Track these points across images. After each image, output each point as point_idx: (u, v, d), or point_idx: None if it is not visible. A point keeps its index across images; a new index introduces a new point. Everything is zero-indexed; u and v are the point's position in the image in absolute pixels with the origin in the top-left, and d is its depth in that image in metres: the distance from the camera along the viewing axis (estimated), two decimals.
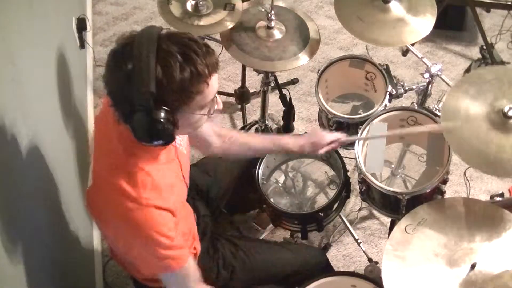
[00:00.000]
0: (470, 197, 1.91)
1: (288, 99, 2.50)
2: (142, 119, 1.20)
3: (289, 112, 2.48)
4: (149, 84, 1.17)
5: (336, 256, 2.44)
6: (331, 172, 2.26)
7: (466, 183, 2.03)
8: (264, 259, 1.77)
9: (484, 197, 2.56)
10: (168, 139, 1.25)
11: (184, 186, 1.53)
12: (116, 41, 1.25)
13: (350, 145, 2.11)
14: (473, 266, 1.50)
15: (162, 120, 1.20)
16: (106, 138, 1.39)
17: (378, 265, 2.14)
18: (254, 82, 3.00)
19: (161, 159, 1.38)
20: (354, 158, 1.89)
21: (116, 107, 1.27)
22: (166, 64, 1.18)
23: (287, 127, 2.53)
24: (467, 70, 3.00)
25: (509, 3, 3.06)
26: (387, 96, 2.03)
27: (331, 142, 1.79)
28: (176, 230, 1.38)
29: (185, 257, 1.42)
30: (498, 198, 1.91)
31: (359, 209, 2.51)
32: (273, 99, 2.75)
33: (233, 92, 2.88)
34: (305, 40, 2.10)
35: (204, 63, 1.21)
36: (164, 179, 1.36)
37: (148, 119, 1.19)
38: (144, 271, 1.57)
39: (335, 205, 2.00)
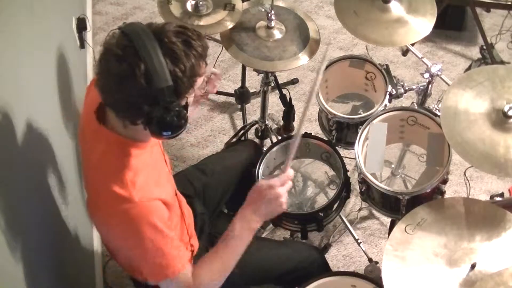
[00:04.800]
0: (470, 197, 1.90)
1: (288, 99, 2.50)
2: (164, 113, 1.22)
3: (289, 112, 2.48)
4: (166, 78, 1.20)
5: (336, 256, 2.44)
6: (331, 172, 2.26)
7: (466, 183, 2.03)
8: (262, 255, 1.77)
9: (484, 197, 2.57)
10: (186, 125, 1.28)
11: (168, 171, 1.56)
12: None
13: (350, 145, 2.12)
14: (473, 266, 1.50)
15: (182, 109, 1.24)
16: (93, 152, 1.40)
17: (378, 265, 2.14)
18: (254, 82, 3.00)
19: (147, 147, 1.40)
20: (354, 158, 1.89)
21: (123, 113, 1.27)
22: (173, 55, 1.22)
23: (287, 127, 2.53)
24: (467, 70, 3.00)
25: (509, 3, 3.07)
26: (387, 96, 2.03)
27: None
28: (171, 221, 1.42)
29: (183, 261, 1.42)
30: (498, 198, 1.91)
31: (359, 209, 2.51)
32: (273, 99, 2.75)
33: (233, 92, 2.88)
34: (305, 40, 2.10)
35: (200, 44, 1.26)
36: (148, 167, 1.38)
37: (170, 112, 1.22)
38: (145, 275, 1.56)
39: (335, 205, 1.99)
